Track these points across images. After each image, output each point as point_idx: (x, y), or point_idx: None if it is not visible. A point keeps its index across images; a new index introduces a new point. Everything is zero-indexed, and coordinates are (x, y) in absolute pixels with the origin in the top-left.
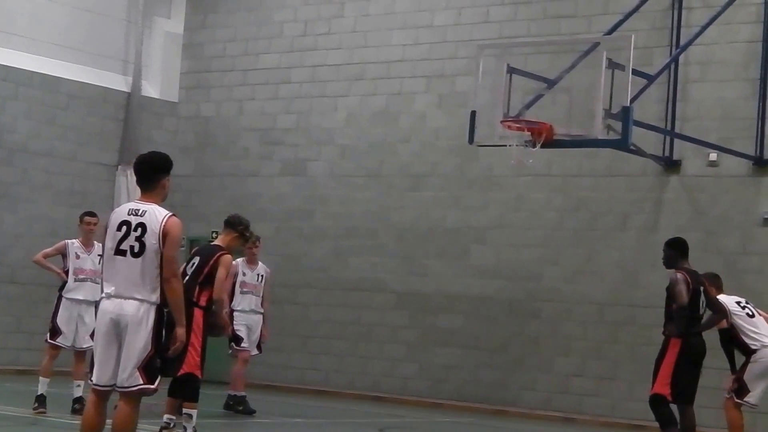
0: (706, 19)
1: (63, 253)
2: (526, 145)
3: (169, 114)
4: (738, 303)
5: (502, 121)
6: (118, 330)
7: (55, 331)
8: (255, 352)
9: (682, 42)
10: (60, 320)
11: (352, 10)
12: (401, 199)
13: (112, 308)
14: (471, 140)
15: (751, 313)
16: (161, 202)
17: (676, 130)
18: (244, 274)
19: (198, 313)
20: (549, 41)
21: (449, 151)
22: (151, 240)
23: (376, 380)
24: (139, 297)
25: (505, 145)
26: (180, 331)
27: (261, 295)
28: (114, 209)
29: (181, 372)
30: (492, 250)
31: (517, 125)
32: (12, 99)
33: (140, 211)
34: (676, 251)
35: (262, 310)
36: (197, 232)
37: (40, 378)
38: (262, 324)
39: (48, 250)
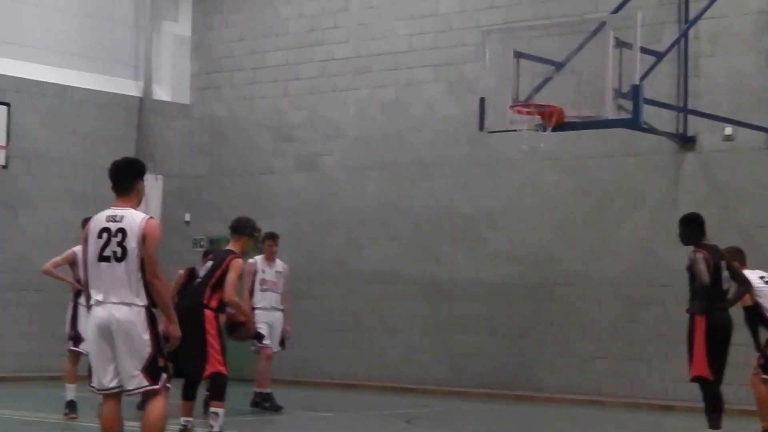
0: None
1: (72, 262)
2: (537, 129)
3: (182, 116)
4: (762, 278)
5: (511, 106)
6: (109, 335)
7: (77, 338)
8: (277, 348)
9: (691, 16)
10: (81, 327)
11: (357, 3)
12: (415, 188)
13: (102, 314)
14: (481, 127)
15: None
16: (137, 206)
17: (690, 106)
18: (263, 272)
19: (210, 315)
20: (555, 23)
21: (461, 138)
22: (132, 244)
23: (398, 370)
24: (127, 301)
25: (516, 130)
26: (171, 328)
27: (281, 291)
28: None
29: (207, 372)
30: (507, 235)
31: (527, 109)
32: (26, 109)
33: (118, 217)
34: (691, 228)
35: (282, 307)
36: (216, 232)
37: (67, 385)
38: (283, 320)
39: (57, 259)
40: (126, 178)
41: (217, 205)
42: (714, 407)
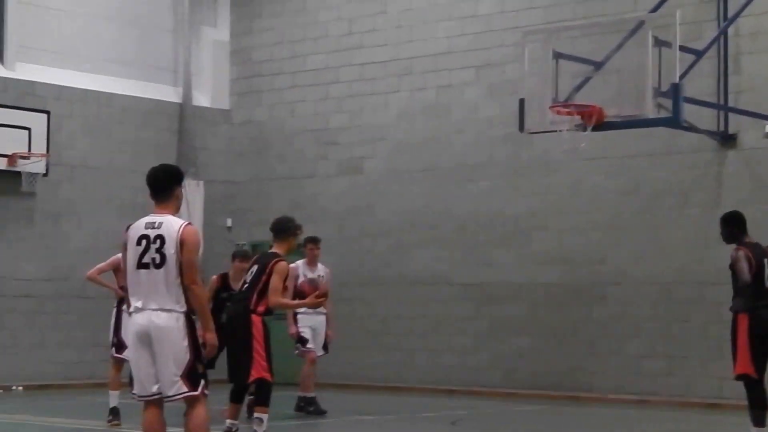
0: None
1: (117, 267)
2: (577, 129)
3: (223, 121)
4: None
5: (551, 107)
6: (149, 341)
7: (120, 345)
8: (321, 352)
9: (730, 14)
10: (124, 333)
11: (396, 5)
12: (459, 190)
13: (142, 321)
14: (522, 128)
15: None
16: (176, 212)
17: (730, 104)
18: (305, 276)
19: (257, 320)
20: (594, 23)
21: (503, 139)
22: (170, 250)
23: (448, 373)
24: (167, 307)
25: (556, 131)
26: (209, 336)
27: None
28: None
29: (252, 378)
30: (554, 236)
31: (567, 110)
32: (68, 117)
33: (157, 224)
34: (732, 226)
35: (325, 311)
36: (259, 237)
37: (110, 391)
38: (326, 324)
39: (102, 265)
40: (163, 185)
41: (259, 210)
42: (757, 405)
